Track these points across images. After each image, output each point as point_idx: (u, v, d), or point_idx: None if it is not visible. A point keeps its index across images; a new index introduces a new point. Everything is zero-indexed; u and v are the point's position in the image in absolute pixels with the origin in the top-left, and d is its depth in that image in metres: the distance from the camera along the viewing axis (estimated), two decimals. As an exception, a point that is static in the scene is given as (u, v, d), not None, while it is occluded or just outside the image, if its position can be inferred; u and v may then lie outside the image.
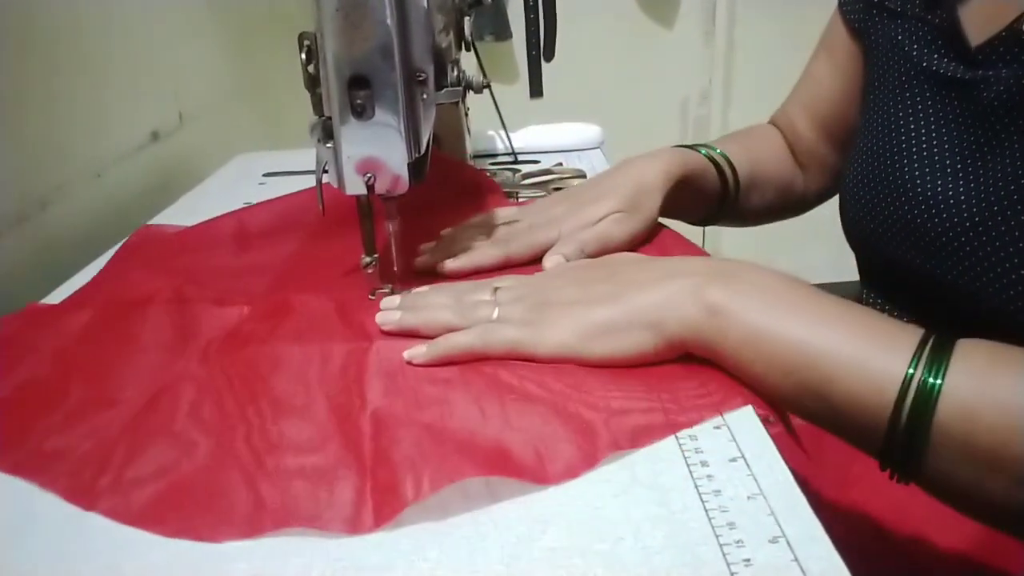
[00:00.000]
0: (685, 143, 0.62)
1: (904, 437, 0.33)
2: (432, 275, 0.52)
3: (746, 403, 0.36)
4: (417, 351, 0.41)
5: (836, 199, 0.60)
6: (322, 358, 0.41)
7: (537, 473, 0.33)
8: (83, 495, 0.33)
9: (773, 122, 0.70)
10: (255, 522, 0.31)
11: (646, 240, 0.55)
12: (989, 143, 0.43)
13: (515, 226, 0.56)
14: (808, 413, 0.36)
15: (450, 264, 0.52)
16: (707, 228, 1.84)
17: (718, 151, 0.62)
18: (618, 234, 0.53)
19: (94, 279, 0.56)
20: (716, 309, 0.37)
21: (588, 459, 0.33)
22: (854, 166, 0.54)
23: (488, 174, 0.76)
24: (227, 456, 0.35)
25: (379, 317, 0.45)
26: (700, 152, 0.61)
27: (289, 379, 0.40)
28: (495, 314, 0.42)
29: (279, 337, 0.44)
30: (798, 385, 0.35)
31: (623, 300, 0.40)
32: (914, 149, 0.48)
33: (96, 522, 0.32)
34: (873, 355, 0.34)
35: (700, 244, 1.96)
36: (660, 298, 0.39)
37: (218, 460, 0.34)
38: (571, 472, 0.33)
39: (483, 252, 0.53)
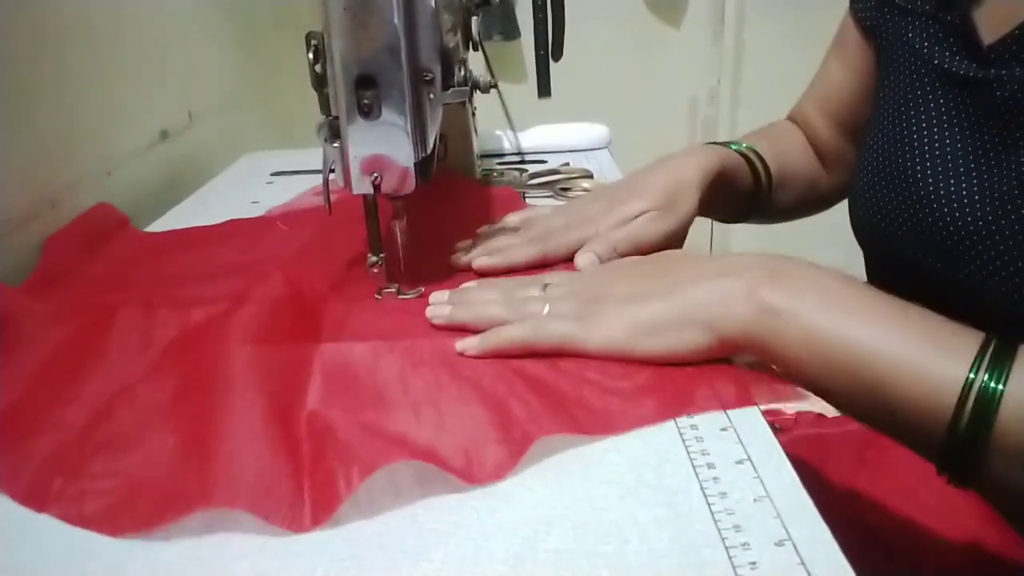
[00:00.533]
0: (699, 142, 0.62)
1: (964, 442, 0.32)
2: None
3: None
4: (469, 343, 0.41)
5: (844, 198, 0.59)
6: (268, 358, 0.40)
7: (465, 472, 0.33)
8: (36, 497, 0.33)
9: (791, 119, 0.70)
10: (202, 497, 0.31)
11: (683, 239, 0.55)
12: (1003, 142, 0.43)
13: (550, 225, 0.55)
14: (863, 415, 0.36)
15: (485, 261, 0.52)
16: (715, 229, 1.85)
17: (746, 146, 0.62)
18: (652, 232, 0.52)
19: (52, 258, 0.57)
20: (771, 309, 0.37)
21: (514, 456, 0.34)
22: (864, 164, 0.54)
23: (495, 174, 0.76)
24: (175, 456, 0.34)
25: (429, 311, 0.45)
26: (733, 148, 0.61)
27: (235, 380, 0.39)
28: (545, 309, 0.42)
29: (229, 336, 0.42)
30: (854, 386, 0.35)
31: (675, 297, 0.39)
32: (926, 148, 0.48)
33: (102, 520, 0.32)
34: (933, 358, 0.33)
35: (708, 244, 1.94)
36: (713, 297, 0.38)
37: (166, 460, 0.34)
38: (499, 473, 0.33)
39: (519, 250, 0.53)
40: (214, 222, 0.67)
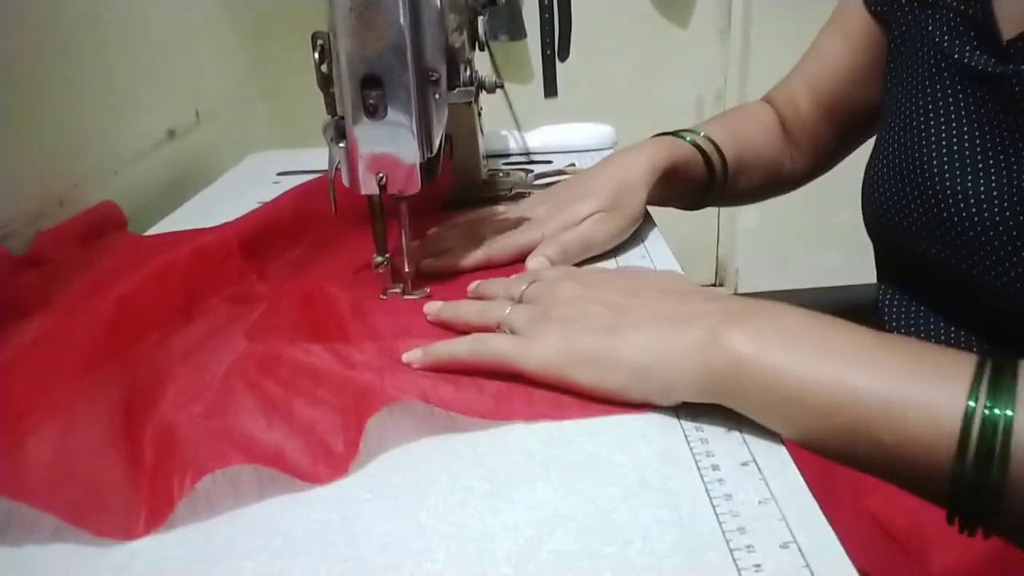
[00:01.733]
0: (652, 135, 0.62)
1: (974, 480, 0.28)
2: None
3: None
4: (413, 355, 0.40)
5: (851, 196, 0.59)
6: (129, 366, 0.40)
7: (308, 474, 0.33)
8: None
9: (769, 98, 0.69)
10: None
11: (633, 236, 0.55)
12: (1022, 139, 0.43)
13: (499, 225, 0.55)
14: (855, 461, 0.32)
15: (429, 262, 0.52)
16: (720, 235, 1.83)
17: (703, 135, 0.61)
18: (601, 234, 0.53)
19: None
20: (735, 357, 0.33)
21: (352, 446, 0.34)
22: (878, 157, 0.53)
23: (501, 174, 0.76)
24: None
25: (426, 307, 0.46)
26: (685, 139, 0.60)
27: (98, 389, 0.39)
28: (506, 312, 0.42)
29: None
30: (839, 429, 0.31)
31: (617, 340, 0.36)
32: (943, 143, 0.47)
33: (107, 518, 0.32)
34: (924, 387, 0.30)
35: (713, 247, 1.93)
36: (657, 353, 0.35)
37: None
38: (340, 469, 0.34)
39: (463, 253, 0.52)
40: (219, 222, 0.67)
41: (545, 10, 0.75)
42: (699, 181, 0.61)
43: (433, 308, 0.45)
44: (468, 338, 0.40)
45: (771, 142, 0.66)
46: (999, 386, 0.29)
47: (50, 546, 0.31)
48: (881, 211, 0.52)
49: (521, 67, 1.55)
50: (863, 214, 0.55)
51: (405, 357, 0.41)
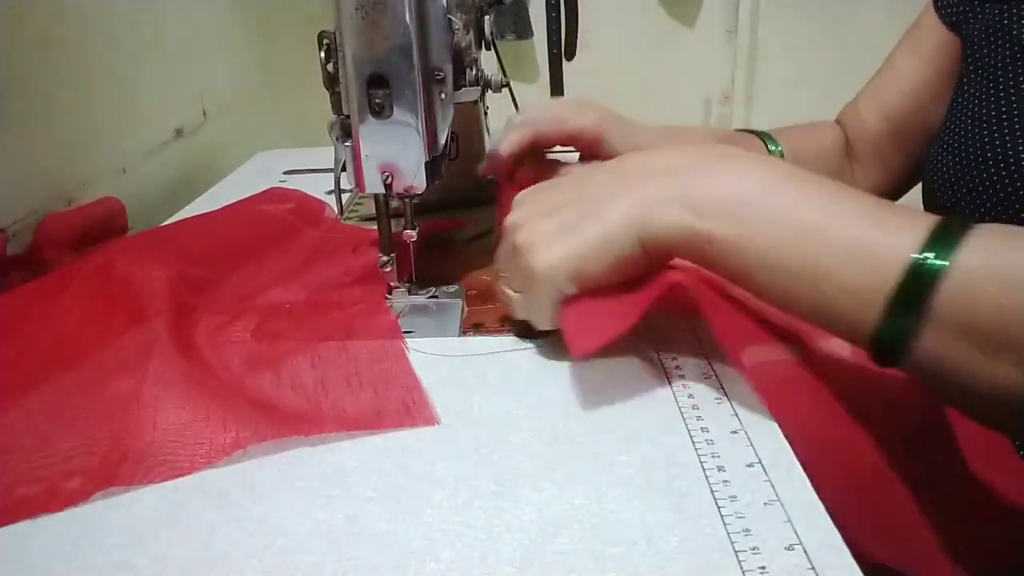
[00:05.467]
0: (729, 129, 0.62)
1: (898, 318, 0.32)
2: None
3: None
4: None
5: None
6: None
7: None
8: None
9: (839, 117, 0.70)
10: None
11: None
12: None
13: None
14: (798, 305, 0.35)
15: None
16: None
17: (778, 149, 0.62)
18: None
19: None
20: (700, 210, 0.36)
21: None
22: (943, 136, 0.54)
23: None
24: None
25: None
26: (769, 149, 0.61)
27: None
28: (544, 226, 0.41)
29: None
30: (790, 275, 0.34)
31: (599, 217, 0.39)
32: (1016, 123, 0.48)
33: (111, 517, 0.32)
34: (879, 239, 0.32)
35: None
36: (642, 207, 0.38)
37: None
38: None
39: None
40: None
41: (552, 9, 0.75)
42: None
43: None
44: (509, 297, 0.43)
45: (828, 159, 0.67)
46: (947, 240, 0.31)
47: (52, 544, 0.31)
48: (945, 185, 0.52)
49: (527, 66, 1.55)
50: (923, 191, 0.56)
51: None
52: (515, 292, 0.43)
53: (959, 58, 0.58)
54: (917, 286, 0.31)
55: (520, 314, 0.43)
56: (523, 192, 0.45)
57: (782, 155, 0.62)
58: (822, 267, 0.33)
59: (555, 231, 0.40)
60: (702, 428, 0.36)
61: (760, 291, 0.37)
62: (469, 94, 0.48)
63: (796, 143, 0.65)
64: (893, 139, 0.65)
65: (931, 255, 0.31)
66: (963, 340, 0.31)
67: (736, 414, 0.37)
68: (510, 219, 0.43)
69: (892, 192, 0.69)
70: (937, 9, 0.61)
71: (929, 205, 0.56)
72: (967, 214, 0.43)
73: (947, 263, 0.31)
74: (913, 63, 0.63)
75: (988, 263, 0.31)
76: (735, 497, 0.31)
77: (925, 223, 0.32)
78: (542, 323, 0.41)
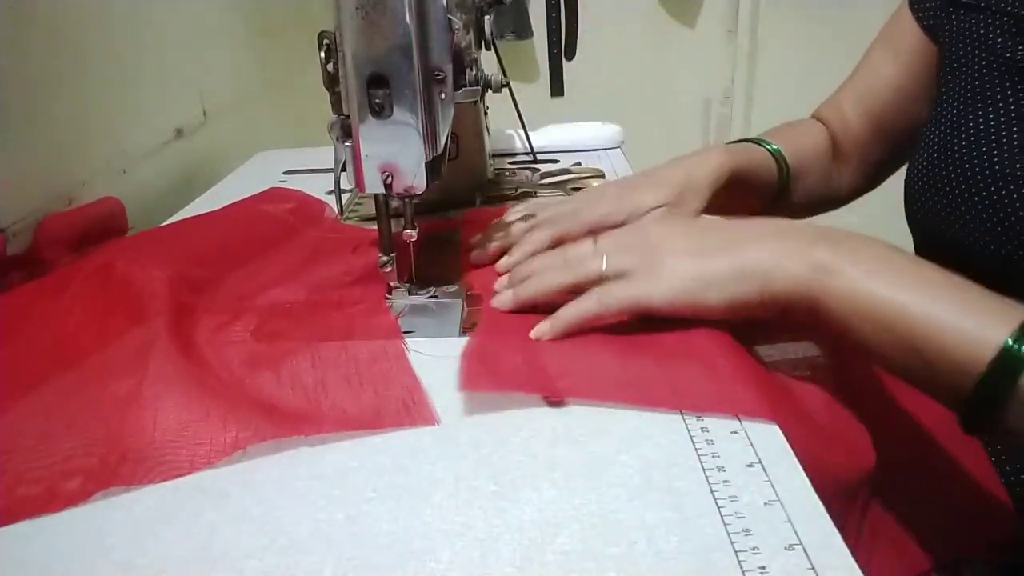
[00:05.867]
0: (716, 142, 0.63)
1: (988, 394, 0.35)
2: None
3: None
4: (541, 329, 0.42)
5: (882, 196, 0.59)
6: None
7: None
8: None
9: (818, 114, 0.70)
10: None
11: None
12: None
13: (560, 208, 0.55)
14: (897, 368, 0.38)
15: (505, 261, 0.52)
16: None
17: (773, 146, 0.62)
18: None
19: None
20: (823, 267, 0.38)
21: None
22: (921, 154, 0.54)
23: (507, 173, 0.76)
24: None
25: (494, 301, 0.46)
26: (763, 146, 0.61)
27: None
28: (604, 264, 0.43)
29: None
30: (894, 341, 0.37)
31: (736, 251, 0.41)
32: (992, 136, 0.48)
33: (111, 517, 0.32)
34: (977, 322, 0.35)
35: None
36: (771, 254, 0.40)
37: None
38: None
39: (534, 236, 0.52)
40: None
41: (552, 9, 0.75)
42: (766, 188, 0.61)
43: (506, 298, 0.45)
44: (590, 296, 0.42)
45: (822, 156, 0.67)
46: None
47: (51, 544, 0.31)
48: (927, 204, 0.53)
49: (527, 66, 1.55)
50: (906, 207, 0.56)
51: (533, 334, 0.42)
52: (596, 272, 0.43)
53: (936, 59, 0.58)
54: (1008, 367, 0.34)
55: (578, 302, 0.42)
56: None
57: (782, 155, 0.62)
58: (928, 338, 0.36)
59: (696, 247, 0.42)
60: (702, 428, 0.36)
61: (861, 350, 0.39)
62: (469, 94, 0.48)
63: (793, 144, 0.65)
64: (876, 136, 0.65)
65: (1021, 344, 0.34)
66: None
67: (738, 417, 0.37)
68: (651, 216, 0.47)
69: (871, 185, 0.69)
70: (913, 10, 0.60)
71: (909, 215, 0.55)
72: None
73: None
74: (890, 62, 0.62)
75: None
76: (735, 497, 0.31)
77: (1021, 314, 0.35)
78: (598, 312, 0.41)
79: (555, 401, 0.38)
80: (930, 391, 0.38)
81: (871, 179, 0.68)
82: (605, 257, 0.43)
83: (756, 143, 0.62)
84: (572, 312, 0.42)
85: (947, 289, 0.37)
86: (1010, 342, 0.34)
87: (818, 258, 0.39)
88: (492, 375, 0.39)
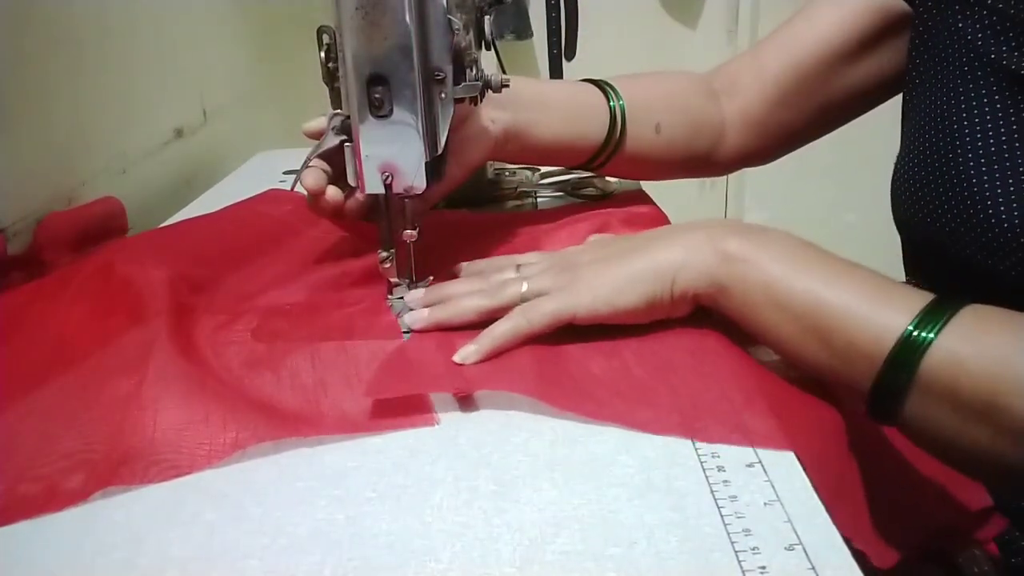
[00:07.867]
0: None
1: (890, 382, 0.36)
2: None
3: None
4: (467, 352, 0.41)
5: (860, 195, 0.58)
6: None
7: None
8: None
9: (727, 67, 0.65)
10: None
11: None
12: None
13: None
14: (806, 359, 0.39)
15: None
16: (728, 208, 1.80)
17: (615, 92, 0.62)
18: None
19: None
20: (732, 256, 0.40)
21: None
22: (907, 155, 0.52)
23: (507, 173, 0.75)
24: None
25: (408, 317, 0.45)
26: (599, 88, 0.62)
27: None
28: (524, 288, 0.43)
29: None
30: (803, 331, 0.38)
31: (646, 253, 0.42)
32: (979, 143, 0.46)
33: (111, 517, 0.32)
34: (879, 311, 0.36)
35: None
36: (680, 248, 0.41)
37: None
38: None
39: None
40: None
41: (552, 9, 0.75)
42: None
43: (421, 316, 0.45)
44: (514, 313, 0.42)
45: (682, 100, 0.63)
46: (936, 317, 0.35)
47: (51, 544, 0.31)
48: (912, 210, 0.51)
49: (527, 66, 1.55)
50: (893, 211, 0.54)
51: (457, 357, 0.41)
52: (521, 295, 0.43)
53: (889, 24, 0.54)
54: (907, 355, 0.35)
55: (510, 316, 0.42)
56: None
57: (623, 109, 0.60)
58: (834, 326, 0.37)
59: (612, 254, 0.44)
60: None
61: (769, 338, 0.40)
62: (469, 93, 0.48)
63: (641, 91, 0.62)
64: (793, 86, 0.60)
65: (921, 330, 0.35)
66: (946, 407, 0.35)
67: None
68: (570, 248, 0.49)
69: (764, 155, 0.65)
70: None
71: (901, 225, 0.54)
72: (953, 292, 0.44)
73: (933, 336, 0.35)
74: (835, 16, 0.58)
75: (970, 342, 0.34)
76: (735, 497, 0.31)
77: (922, 301, 0.36)
78: (531, 326, 0.41)
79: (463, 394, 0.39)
80: (836, 380, 0.39)
81: (767, 147, 0.64)
82: (526, 283, 0.43)
83: (600, 87, 0.63)
84: (501, 331, 0.41)
85: (855, 279, 0.38)
86: (910, 328, 0.35)
87: (728, 248, 0.40)
88: (393, 387, 0.38)
